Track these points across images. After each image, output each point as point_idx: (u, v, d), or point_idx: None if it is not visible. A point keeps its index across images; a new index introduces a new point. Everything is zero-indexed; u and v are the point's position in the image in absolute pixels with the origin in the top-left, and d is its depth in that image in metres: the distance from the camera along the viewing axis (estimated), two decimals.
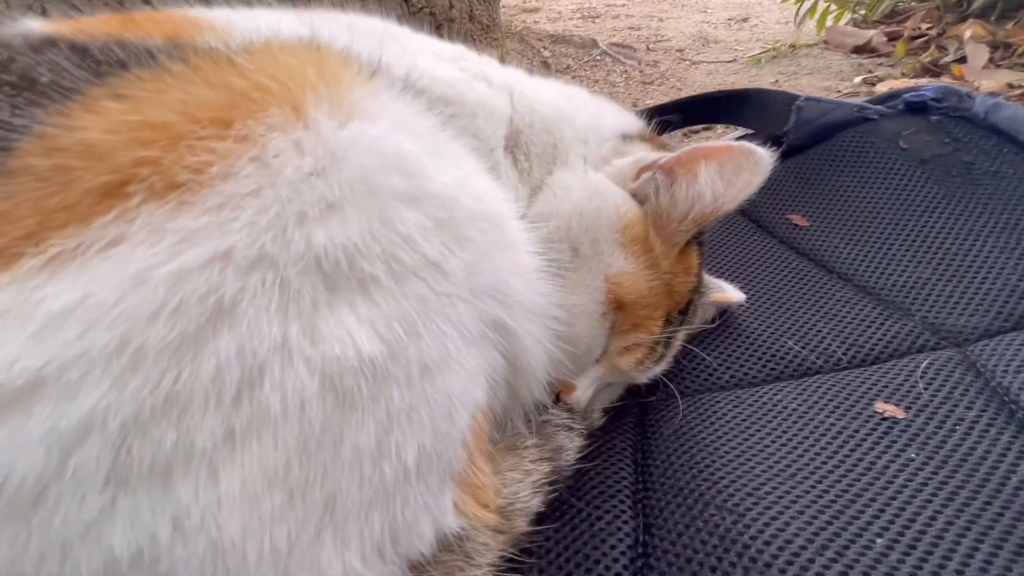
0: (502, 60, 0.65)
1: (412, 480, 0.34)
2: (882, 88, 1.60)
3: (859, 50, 2.20)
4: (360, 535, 0.32)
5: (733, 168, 0.53)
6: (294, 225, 0.31)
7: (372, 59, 0.42)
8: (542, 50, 2.49)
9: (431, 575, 0.37)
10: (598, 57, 2.49)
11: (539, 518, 0.47)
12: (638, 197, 0.57)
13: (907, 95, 0.87)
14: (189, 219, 0.29)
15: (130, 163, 0.29)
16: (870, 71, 1.99)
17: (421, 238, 0.34)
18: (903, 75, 1.81)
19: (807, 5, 2.43)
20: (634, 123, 0.67)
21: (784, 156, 0.94)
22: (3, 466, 0.24)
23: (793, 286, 0.75)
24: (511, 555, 0.43)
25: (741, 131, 1.08)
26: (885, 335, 0.65)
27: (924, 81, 1.64)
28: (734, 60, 2.42)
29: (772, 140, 0.97)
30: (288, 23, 0.51)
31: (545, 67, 2.29)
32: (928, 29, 2.07)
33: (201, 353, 0.27)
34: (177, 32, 0.43)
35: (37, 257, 0.27)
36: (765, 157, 0.53)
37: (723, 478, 0.50)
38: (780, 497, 0.47)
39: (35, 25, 0.43)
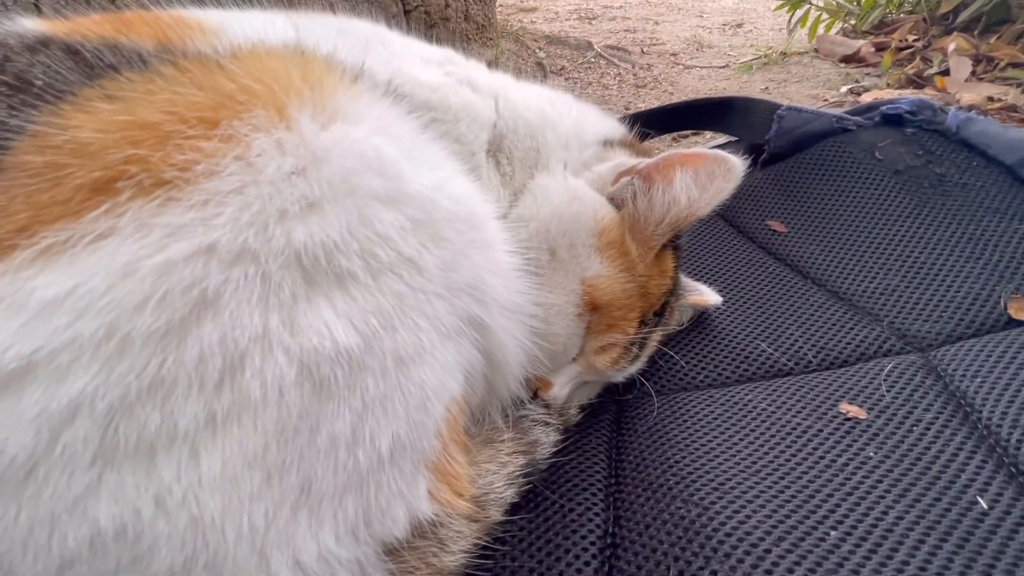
0: (496, 60, 0.67)
1: (386, 467, 0.35)
2: (867, 98, 1.63)
3: (848, 59, 2.23)
4: (334, 517, 0.33)
5: (707, 175, 0.55)
6: (275, 221, 0.32)
7: (356, 63, 0.44)
8: (537, 51, 2.50)
9: (405, 559, 0.39)
10: (592, 59, 2.51)
11: (513, 509, 0.48)
12: (616, 202, 0.58)
13: (884, 107, 0.90)
14: (175, 214, 0.30)
15: (120, 161, 0.30)
16: (857, 80, 2.02)
17: (398, 236, 0.36)
18: (888, 86, 1.84)
19: (800, 13, 2.46)
20: (616, 129, 0.69)
21: (765, 164, 0.96)
22: None
23: (769, 290, 0.77)
24: (484, 543, 0.44)
25: (725, 138, 1.11)
26: (854, 339, 0.67)
27: (908, 92, 1.67)
28: (727, 66, 2.45)
29: (754, 148, 1.00)
30: (279, 25, 0.52)
31: (540, 68, 2.30)
32: (914, 41, 2.11)
33: (185, 341, 0.29)
34: (168, 34, 0.44)
35: (30, 249, 0.28)
36: (737, 165, 0.55)
37: (691, 473, 0.52)
38: (744, 492, 0.49)
39: (30, 24, 0.44)
